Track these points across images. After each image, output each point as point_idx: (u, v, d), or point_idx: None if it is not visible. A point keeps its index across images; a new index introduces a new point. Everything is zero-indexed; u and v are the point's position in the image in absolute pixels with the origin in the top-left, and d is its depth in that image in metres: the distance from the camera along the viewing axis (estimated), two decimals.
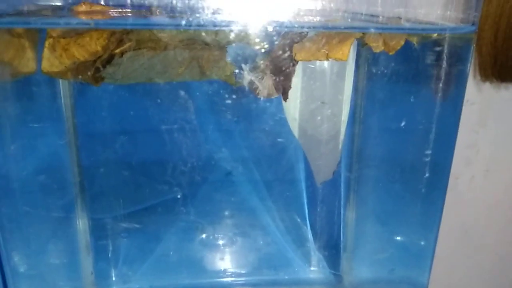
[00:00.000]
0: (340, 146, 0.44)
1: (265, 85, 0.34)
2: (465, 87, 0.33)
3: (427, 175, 0.32)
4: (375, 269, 0.42)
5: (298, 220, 0.48)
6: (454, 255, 0.70)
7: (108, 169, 0.43)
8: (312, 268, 0.48)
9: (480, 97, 0.64)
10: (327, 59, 0.32)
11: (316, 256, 0.48)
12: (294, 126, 0.45)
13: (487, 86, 0.61)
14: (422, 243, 0.33)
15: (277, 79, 0.34)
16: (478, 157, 0.66)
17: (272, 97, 0.36)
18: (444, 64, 0.31)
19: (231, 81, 0.36)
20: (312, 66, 0.38)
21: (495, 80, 0.61)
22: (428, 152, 0.32)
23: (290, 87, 0.35)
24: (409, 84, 0.35)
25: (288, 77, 0.34)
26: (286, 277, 0.48)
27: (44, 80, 0.35)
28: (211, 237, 0.48)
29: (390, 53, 0.32)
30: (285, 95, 0.36)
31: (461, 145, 0.65)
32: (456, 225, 0.68)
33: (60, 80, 0.36)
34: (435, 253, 0.69)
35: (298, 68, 0.40)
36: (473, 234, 0.69)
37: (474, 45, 0.60)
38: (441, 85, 0.31)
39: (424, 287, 0.32)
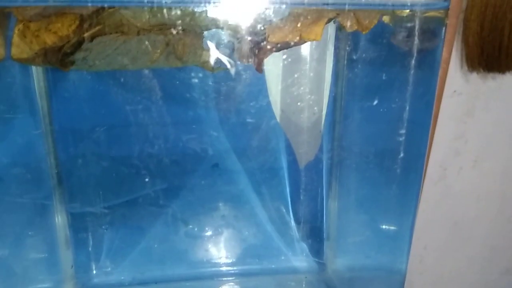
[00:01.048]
0: (321, 130, 0.44)
1: (241, 49, 0.34)
2: (439, 67, 0.33)
3: (403, 160, 0.32)
4: (358, 257, 0.41)
5: (282, 209, 0.47)
6: (443, 247, 0.70)
7: (86, 160, 0.43)
8: (295, 257, 0.48)
9: (467, 88, 0.63)
10: (300, 40, 0.32)
11: (299, 244, 0.48)
12: (276, 114, 0.45)
13: (474, 77, 0.61)
14: (400, 229, 0.33)
15: (253, 48, 0.33)
16: (466, 147, 0.66)
17: (248, 63, 0.35)
18: (417, 43, 0.30)
19: (208, 68, 0.35)
20: (293, 53, 0.38)
21: (482, 70, 0.60)
22: (403, 136, 0.31)
23: (262, 60, 0.34)
24: (387, 67, 0.34)
25: (263, 50, 0.34)
26: (271, 266, 0.48)
27: (16, 68, 0.34)
28: (195, 228, 0.47)
29: (364, 32, 0.31)
30: (259, 67, 0.35)
31: (449, 136, 0.65)
32: (445, 217, 0.68)
33: (33, 69, 0.36)
34: (425, 245, 0.69)
35: (279, 56, 0.40)
36: (462, 226, 0.69)
37: (461, 36, 0.60)
38: (414, 64, 0.30)
39: (402, 273, 0.32)
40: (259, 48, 0.33)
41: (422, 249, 0.68)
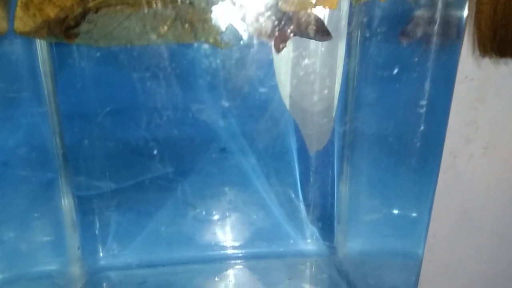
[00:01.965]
0: (333, 116, 0.43)
1: (260, 26, 0.33)
2: (460, 48, 0.31)
3: (420, 143, 0.31)
4: (370, 241, 0.41)
5: (291, 192, 0.47)
6: (452, 236, 0.69)
7: (93, 142, 0.42)
8: (305, 240, 0.47)
9: (479, 73, 0.62)
10: (315, 7, 0.30)
11: (309, 228, 0.47)
12: (286, 99, 0.44)
13: (486, 62, 0.59)
14: (417, 214, 0.32)
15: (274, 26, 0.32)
16: (477, 134, 0.64)
17: (264, 39, 0.34)
18: (438, 18, 0.29)
19: (217, 44, 0.34)
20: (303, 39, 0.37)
21: (494, 55, 0.59)
22: (420, 119, 0.30)
23: (284, 41, 0.33)
24: (402, 48, 0.33)
25: (283, 33, 0.33)
26: (280, 249, 0.47)
27: (20, 47, 0.33)
28: (203, 212, 0.47)
29: (382, 1, 0.30)
30: (277, 47, 0.34)
31: (460, 122, 0.64)
32: (455, 205, 0.67)
33: (38, 48, 0.35)
34: (434, 233, 0.68)
35: (289, 42, 0.39)
36: (472, 214, 0.68)
37: (473, 20, 0.59)
38: (434, 45, 0.29)
39: (419, 258, 0.31)
40: (280, 30, 0.32)
41: (431, 238, 0.67)
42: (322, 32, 0.35)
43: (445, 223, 0.67)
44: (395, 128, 0.36)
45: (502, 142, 0.65)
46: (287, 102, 0.43)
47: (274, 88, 0.43)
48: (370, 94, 0.38)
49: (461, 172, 0.66)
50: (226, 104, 0.44)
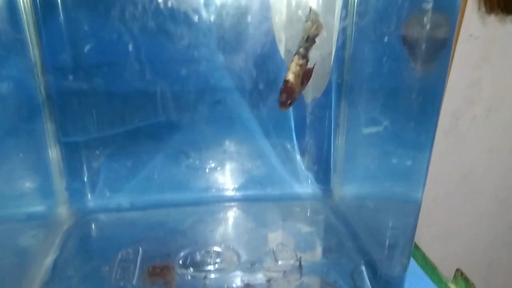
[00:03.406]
0: (330, 64, 0.41)
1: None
2: (459, 4, 0.29)
3: (418, 94, 0.29)
4: (366, 185, 0.40)
5: (287, 140, 0.46)
6: (452, 200, 0.68)
7: (81, 92, 0.41)
8: (301, 184, 0.47)
9: (484, 31, 0.60)
10: None
11: (304, 173, 0.46)
12: (281, 47, 0.42)
13: (492, 19, 0.57)
14: (415, 160, 0.31)
15: None
16: (480, 96, 0.63)
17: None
18: None
19: None
20: None
21: (501, 12, 0.57)
22: (417, 70, 0.29)
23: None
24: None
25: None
26: (275, 193, 0.47)
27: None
28: (196, 161, 0.46)
29: None
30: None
31: (463, 83, 0.62)
32: (455, 169, 0.66)
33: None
34: (434, 197, 0.67)
35: None
36: (472, 178, 0.67)
37: None
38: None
39: (418, 202, 0.30)
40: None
41: (431, 202, 0.66)
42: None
43: (445, 187, 0.67)
44: (392, 79, 0.34)
45: (507, 104, 0.63)
46: (282, 50, 0.41)
47: (271, 40, 0.42)
48: (368, 46, 0.37)
49: (463, 135, 0.64)
50: (220, 55, 0.42)
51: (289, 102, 0.36)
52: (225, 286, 0.36)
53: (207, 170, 0.46)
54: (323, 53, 0.41)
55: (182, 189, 0.46)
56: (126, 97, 0.42)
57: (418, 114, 0.31)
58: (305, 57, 0.37)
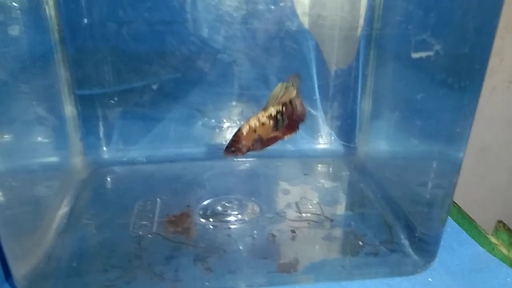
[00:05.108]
0: (358, 34, 0.39)
1: None
2: None
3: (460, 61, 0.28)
4: (393, 144, 0.38)
5: (308, 99, 0.44)
6: (468, 174, 0.66)
7: (96, 49, 0.39)
8: (324, 141, 0.45)
9: None
10: None
11: (326, 130, 0.45)
12: (305, 19, 0.41)
13: None
14: (458, 119, 0.30)
15: None
16: (501, 66, 0.61)
17: None
18: None
19: None
20: None
21: None
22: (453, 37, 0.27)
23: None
24: None
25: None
26: (297, 149, 0.45)
27: None
28: (212, 120, 0.44)
29: None
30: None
31: None
32: (472, 142, 0.64)
33: None
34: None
35: None
36: (489, 152, 0.66)
37: None
38: None
39: (458, 161, 0.29)
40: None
41: None
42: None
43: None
44: (426, 46, 0.32)
45: None
46: (306, 23, 0.40)
47: (291, 5, 0.40)
48: (400, 12, 0.35)
49: (482, 107, 0.62)
50: (238, 17, 0.41)
51: (232, 150, 0.32)
52: (249, 236, 0.34)
53: (223, 128, 0.44)
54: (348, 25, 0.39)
55: (199, 144, 0.45)
56: (142, 54, 0.40)
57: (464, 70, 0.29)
58: (272, 118, 0.32)
